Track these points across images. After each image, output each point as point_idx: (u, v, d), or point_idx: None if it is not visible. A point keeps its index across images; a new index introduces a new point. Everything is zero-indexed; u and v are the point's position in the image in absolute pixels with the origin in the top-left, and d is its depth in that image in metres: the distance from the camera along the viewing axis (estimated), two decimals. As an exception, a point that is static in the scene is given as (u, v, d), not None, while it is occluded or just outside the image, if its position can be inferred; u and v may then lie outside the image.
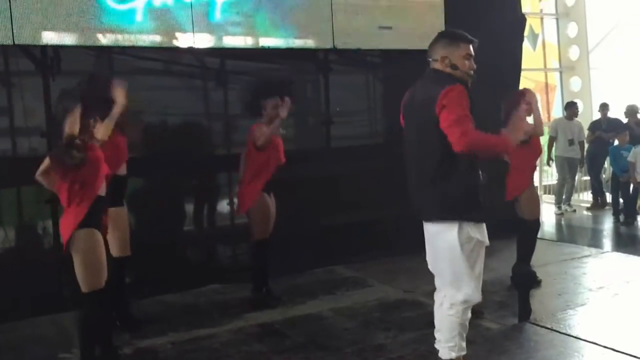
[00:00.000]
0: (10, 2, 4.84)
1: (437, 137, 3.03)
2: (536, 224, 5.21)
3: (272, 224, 5.11)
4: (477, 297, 3.23)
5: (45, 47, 5.14)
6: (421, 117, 3.12)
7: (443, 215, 3.14)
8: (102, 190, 3.68)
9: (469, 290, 3.18)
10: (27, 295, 4.88)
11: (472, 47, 3.22)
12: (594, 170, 9.64)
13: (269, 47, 6.04)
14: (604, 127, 9.51)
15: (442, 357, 3.24)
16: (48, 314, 4.91)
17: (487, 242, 3.25)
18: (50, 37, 5.10)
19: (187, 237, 6.13)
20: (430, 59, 3.24)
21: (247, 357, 4.12)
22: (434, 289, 3.33)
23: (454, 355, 3.21)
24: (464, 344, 3.24)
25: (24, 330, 4.72)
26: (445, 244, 3.16)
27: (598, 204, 9.59)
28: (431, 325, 3.35)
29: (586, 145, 9.49)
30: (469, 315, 3.26)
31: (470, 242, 3.15)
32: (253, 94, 5.19)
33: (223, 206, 6.26)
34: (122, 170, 4.49)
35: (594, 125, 9.74)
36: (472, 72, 3.21)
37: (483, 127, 3.12)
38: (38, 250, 5.37)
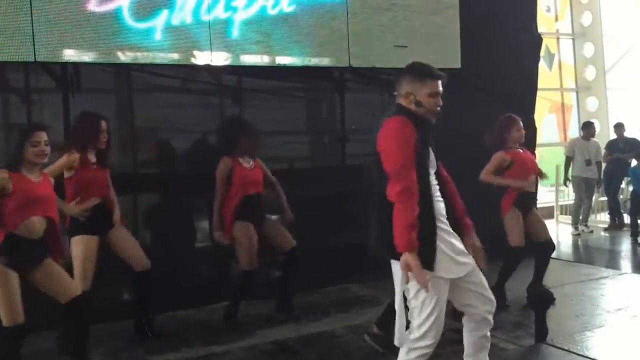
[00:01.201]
0: (32, 20, 4.94)
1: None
2: (515, 251, 5.21)
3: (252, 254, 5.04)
4: (430, 347, 2.95)
5: (65, 65, 5.23)
6: (375, 152, 3.00)
7: (389, 253, 2.94)
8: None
9: (424, 342, 2.95)
10: None
11: (441, 83, 3.02)
12: (612, 191, 9.55)
13: (285, 65, 6.09)
14: (622, 146, 9.44)
15: None
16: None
17: (441, 280, 2.92)
18: (70, 55, 5.20)
19: (201, 253, 6.14)
20: (395, 93, 3.10)
21: (260, 375, 4.11)
22: (448, 310, 3.28)
23: None
24: None
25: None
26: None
27: (615, 225, 9.49)
28: (444, 345, 3.32)
29: (603, 165, 9.42)
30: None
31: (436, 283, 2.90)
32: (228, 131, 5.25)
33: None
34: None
35: (611, 145, 9.68)
36: (437, 109, 3.03)
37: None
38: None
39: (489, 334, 3.18)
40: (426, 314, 2.90)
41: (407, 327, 3.00)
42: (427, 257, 2.83)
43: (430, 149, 3.04)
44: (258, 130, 5.30)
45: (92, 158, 4.51)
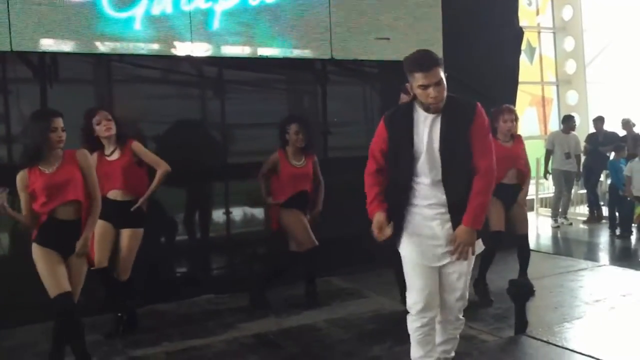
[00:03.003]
0: (8, 9, 4.84)
1: None
2: (493, 235, 5.23)
3: (302, 235, 5.27)
4: (413, 309, 3.26)
5: (43, 55, 5.14)
6: None
7: None
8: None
9: (409, 300, 3.29)
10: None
11: (428, 74, 2.99)
12: (591, 184, 9.64)
13: (267, 56, 6.05)
14: (601, 139, 9.54)
15: None
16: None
17: (415, 260, 3.22)
18: (48, 44, 5.11)
19: (181, 247, 6.10)
20: None
21: (241, 368, 4.09)
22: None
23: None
24: (417, 355, 3.33)
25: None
26: None
27: (594, 217, 9.59)
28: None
29: (583, 158, 9.50)
30: (421, 328, 3.27)
31: (403, 256, 3.27)
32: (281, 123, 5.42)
33: (218, 216, 6.23)
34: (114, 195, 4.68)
35: (591, 138, 9.77)
36: (430, 100, 3.03)
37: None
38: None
39: (457, 329, 3.43)
40: (408, 286, 3.27)
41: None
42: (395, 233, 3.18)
43: (415, 139, 3.12)
44: (310, 128, 5.47)
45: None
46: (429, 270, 3.21)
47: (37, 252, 3.74)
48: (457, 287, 3.26)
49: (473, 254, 3.21)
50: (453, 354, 3.49)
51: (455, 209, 3.12)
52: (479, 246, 3.27)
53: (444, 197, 3.13)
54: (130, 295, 4.80)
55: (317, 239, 5.29)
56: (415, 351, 3.34)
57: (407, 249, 3.22)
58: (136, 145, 4.68)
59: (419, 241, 3.18)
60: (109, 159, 4.64)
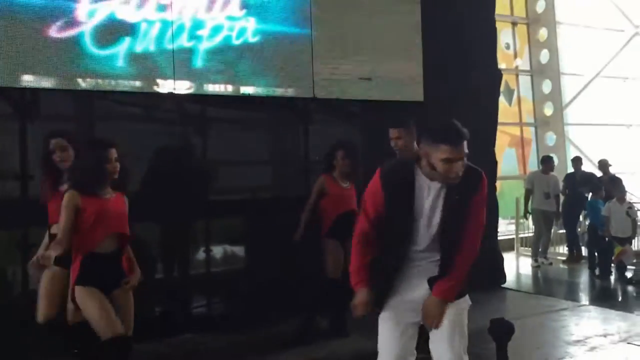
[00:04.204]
0: (-10, 44, 4.83)
1: None
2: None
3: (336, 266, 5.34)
4: None
5: (24, 90, 5.12)
6: None
7: None
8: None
9: None
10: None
11: (456, 149, 2.75)
12: (570, 224, 9.72)
13: (249, 94, 6.09)
14: (578, 179, 9.66)
15: None
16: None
17: (387, 316, 3.02)
18: (29, 80, 5.09)
19: (161, 285, 6.00)
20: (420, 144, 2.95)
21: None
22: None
23: None
24: None
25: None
26: None
27: (574, 257, 9.64)
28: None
29: (562, 199, 9.60)
30: None
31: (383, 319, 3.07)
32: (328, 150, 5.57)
33: (198, 254, 6.16)
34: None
35: (568, 178, 9.91)
36: (453, 176, 2.79)
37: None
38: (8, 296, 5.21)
39: None
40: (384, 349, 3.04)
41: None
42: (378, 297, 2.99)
43: (417, 204, 2.90)
44: (357, 155, 5.55)
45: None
46: (406, 329, 3.03)
47: (85, 295, 3.55)
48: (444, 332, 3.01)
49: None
50: None
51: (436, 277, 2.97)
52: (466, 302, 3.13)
53: (431, 265, 2.96)
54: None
55: (296, 277, 5.28)
56: None
57: (388, 312, 3.02)
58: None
59: (401, 300, 2.99)
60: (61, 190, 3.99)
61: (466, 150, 2.81)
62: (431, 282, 2.96)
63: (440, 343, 3.01)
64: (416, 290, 2.99)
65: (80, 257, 3.58)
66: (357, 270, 2.99)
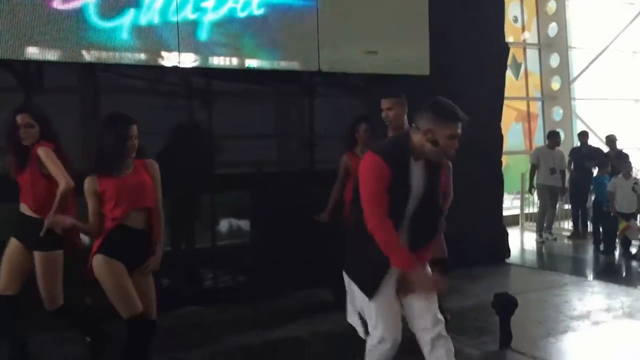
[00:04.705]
0: (-6, 16, 4.80)
1: None
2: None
3: None
4: (388, 343, 3.15)
5: (28, 63, 5.10)
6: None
7: (350, 276, 3.23)
8: None
9: (380, 335, 3.15)
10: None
11: (460, 127, 3.02)
12: (576, 199, 9.69)
13: (254, 67, 6.05)
14: (585, 153, 9.62)
15: None
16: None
17: (383, 293, 3.12)
18: (33, 52, 5.06)
19: (167, 258, 6.03)
20: (413, 125, 3.12)
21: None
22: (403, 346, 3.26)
23: None
24: None
25: None
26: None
27: (579, 233, 9.64)
28: (408, 352, 3.31)
29: (568, 174, 9.57)
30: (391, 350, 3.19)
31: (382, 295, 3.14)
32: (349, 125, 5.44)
33: (204, 227, 6.19)
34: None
35: (574, 152, 9.86)
36: (452, 151, 3.05)
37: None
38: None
39: (450, 345, 3.17)
40: (374, 320, 3.13)
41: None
42: (374, 282, 3.09)
43: (412, 185, 3.07)
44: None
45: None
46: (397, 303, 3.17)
47: (104, 265, 3.44)
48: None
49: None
50: None
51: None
52: None
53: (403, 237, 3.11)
54: (77, 323, 4.23)
55: (300, 252, 5.28)
56: None
57: (386, 286, 3.13)
58: (42, 151, 3.81)
59: (390, 277, 3.12)
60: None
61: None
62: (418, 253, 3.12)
63: (429, 311, 3.16)
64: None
65: (108, 229, 3.53)
66: (401, 250, 3.04)
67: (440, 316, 3.17)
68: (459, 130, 3.02)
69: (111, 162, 3.53)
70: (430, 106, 3.05)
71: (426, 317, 3.13)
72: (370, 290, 3.11)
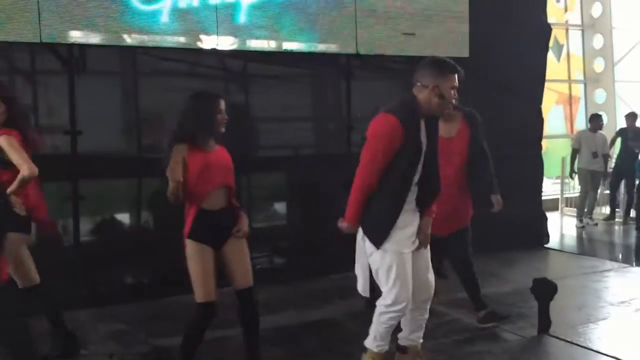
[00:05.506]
0: (38, 1, 4.90)
1: None
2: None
3: None
4: (399, 304, 3.42)
5: (71, 46, 5.20)
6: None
7: (363, 229, 3.47)
8: None
9: (394, 297, 3.40)
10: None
11: (458, 77, 3.31)
12: (619, 184, 9.47)
13: (292, 50, 6.05)
14: (630, 135, 9.38)
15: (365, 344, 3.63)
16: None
17: (405, 250, 3.39)
18: (76, 36, 5.16)
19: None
20: (417, 83, 3.32)
21: (261, 360, 4.10)
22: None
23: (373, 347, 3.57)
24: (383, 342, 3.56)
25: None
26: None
27: (613, 216, 9.50)
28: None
29: (611, 159, 9.37)
30: (397, 319, 3.50)
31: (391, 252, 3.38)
32: None
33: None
34: None
35: (620, 132, 9.66)
36: (453, 100, 3.32)
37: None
38: (56, 249, 5.39)
39: (426, 315, 3.57)
40: (392, 281, 3.36)
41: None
42: (381, 234, 3.34)
43: (423, 142, 3.31)
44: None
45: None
46: (410, 261, 3.40)
47: (193, 250, 3.58)
48: (430, 265, 3.56)
49: None
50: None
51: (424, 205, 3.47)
52: None
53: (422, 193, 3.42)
54: (46, 304, 4.16)
55: (337, 234, 5.27)
56: (379, 339, 3.54)
57: (396, 246, 3.36)
58: (3, 140, 3.66)
59: (403, 235, 3.37)
60: None
61: None
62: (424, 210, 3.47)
63: (428, 269, 3.56)
64: (414, 224, 3.45)
65: (193, 212, 3.59)
66: (355, 212, 3.43)
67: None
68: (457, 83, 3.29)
69: (201, 133, 3.60)
70: (431, 63, 3.32)
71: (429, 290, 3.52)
72: (378, 241, 3.34)
